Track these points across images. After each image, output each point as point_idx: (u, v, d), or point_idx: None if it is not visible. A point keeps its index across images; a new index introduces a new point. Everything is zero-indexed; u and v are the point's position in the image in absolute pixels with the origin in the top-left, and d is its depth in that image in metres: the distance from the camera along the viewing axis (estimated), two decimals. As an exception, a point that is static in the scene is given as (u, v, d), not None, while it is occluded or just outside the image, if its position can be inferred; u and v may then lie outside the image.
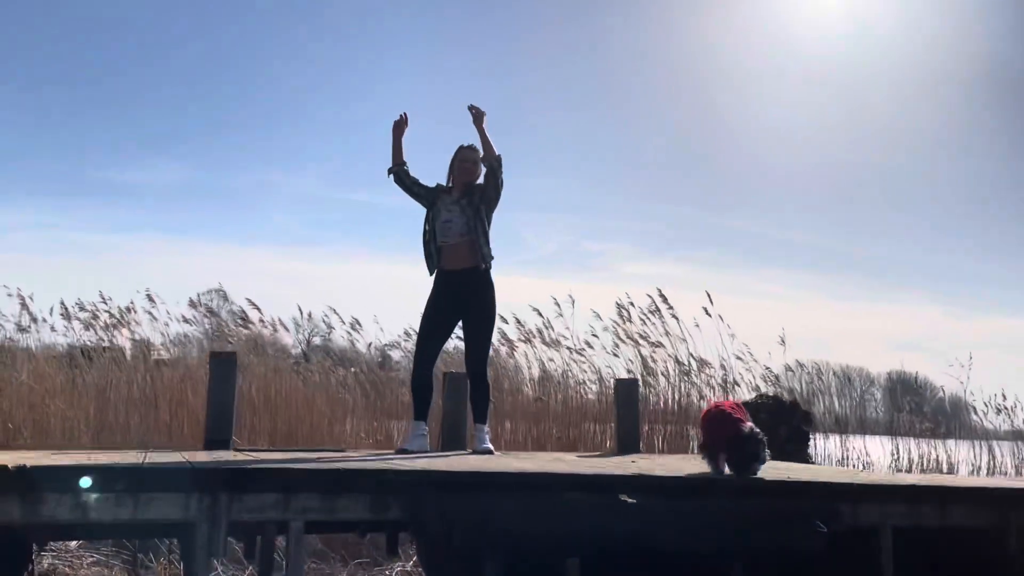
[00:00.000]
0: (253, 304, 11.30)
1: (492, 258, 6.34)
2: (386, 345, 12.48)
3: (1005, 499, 5.64)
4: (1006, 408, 14.46)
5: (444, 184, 6.58)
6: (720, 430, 5.27)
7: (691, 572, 4.74)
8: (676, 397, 12.27)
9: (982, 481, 8.47)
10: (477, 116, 6.30)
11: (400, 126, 6.49)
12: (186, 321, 11.83)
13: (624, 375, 11.51)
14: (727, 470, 5.23)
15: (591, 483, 4.73)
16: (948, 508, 5.48)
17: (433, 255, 6.43)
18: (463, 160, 6.54)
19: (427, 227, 6.43)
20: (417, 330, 6.52)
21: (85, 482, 3.94)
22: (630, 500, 4.56)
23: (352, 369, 12.61)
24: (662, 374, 12.59)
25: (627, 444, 8.07)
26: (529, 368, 13.04)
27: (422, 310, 6.42)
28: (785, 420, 7.45)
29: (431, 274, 6.40)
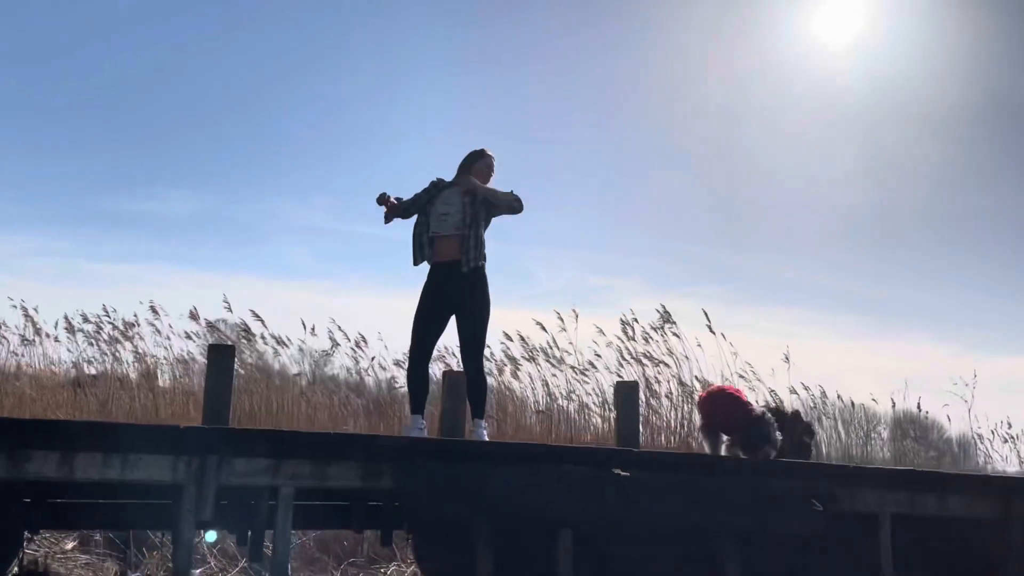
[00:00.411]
0: (256, 316, 11.20)
1: (485, 260, 6.27)
2: (395, 362, 12.28)
3: (1007, 489, 5.57)
4: (1011, 437, 14.24)
5: (446, 180, 6.53)
6: (728, 411, 5.23)
7: (684, 548, 4.68)
8: (679, 418, 12.19)
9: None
10: (470, 192, 6.29)
11: (386, 210, 6.44)
12: (188, 337, 11.77)
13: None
14: (724, 451, 5.19)
15: (585, 456, 4.68)
16: (948, 497, 5.41)
17: (424, 246, 6.30)
18: (488, 165, 6.49)
19: (422, 218, 6.37)
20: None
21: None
22: (623, 473, 4.52)
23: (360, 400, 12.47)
24: (666, 396, 12.51)
25: (627, 444, 7.99)
26: (534, 391, 12.94)
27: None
28: (786, 431, 7.36)
29: (415, 263, 6.30)
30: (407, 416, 6.63)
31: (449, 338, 6.99)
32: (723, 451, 5.21)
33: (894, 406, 14.14)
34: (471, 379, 6.44)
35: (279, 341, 11.64)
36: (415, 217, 6.40)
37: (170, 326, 11.74)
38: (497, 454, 4.59)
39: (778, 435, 5.13)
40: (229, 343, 7.66)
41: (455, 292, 6.19)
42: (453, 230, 6.24)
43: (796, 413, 9.35)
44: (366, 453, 4.39)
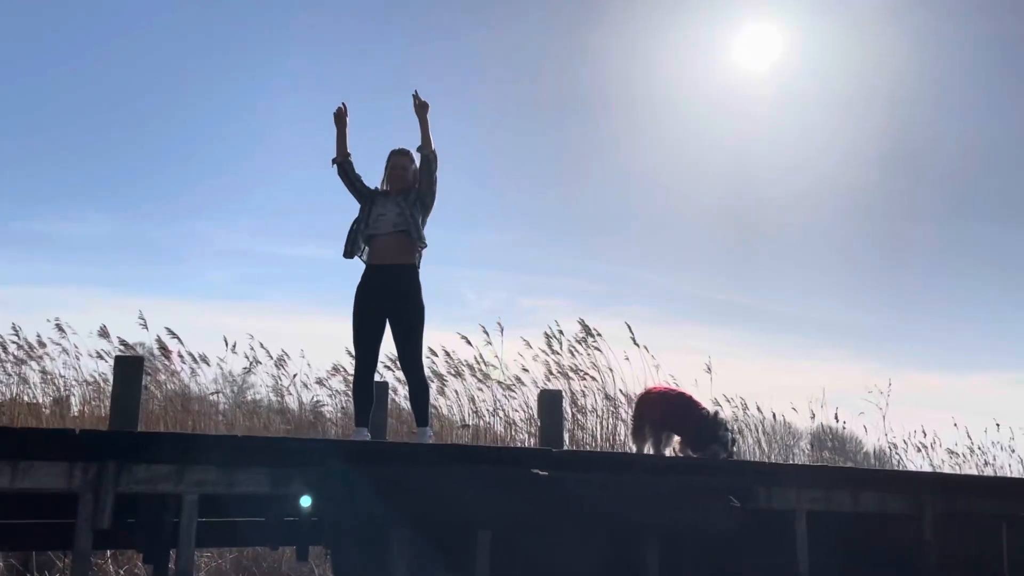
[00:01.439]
0: (172, 333, 10.77)
1: (425, 246, 6.20)
2: (317, 381, 12.00)
3: (919, 485, 5.69)
4: (924, 446, 14.65)
5: (380, 188, 6.49)
6: (682, 411, 5.23)
7: (605, 547, 4.63)
8: (605, 431, 12.22)
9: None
10: (421, 107, 6.29)
11: (341, 117, 6.39)
12: (99, 356, 11.25)
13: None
14: (669, 451, 5.18)
15: (504, 456, 4.61)
16: (862, 494, 5.49)
17: (359, 243, 6.21)
18: (394, 166, 6.42)
19: (362, 215, 6.26)
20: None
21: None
22: (542, 473, 4.46)
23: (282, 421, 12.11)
24: (591, 411, 12.54)
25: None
26: (460, 408, 12.82)
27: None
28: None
29: (347, 256, 6.17)
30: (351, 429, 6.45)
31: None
32: (669, 451, 5.20)
33: (813, 417, 14.43)
34: (411, 384, 6.23)
35: (196, 359, 11.24)
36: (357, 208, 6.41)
37: (76, 346, 11.20)
38: (414, 455, 4.47)
39: (729, 435, 5.17)
40: (139, 355, 7.36)
41: (390, 297, 6.05)
42: (391, 227, 6.14)
43: (717, 415, 9.45)
44: (276, 457, 4.23)
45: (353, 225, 6.27)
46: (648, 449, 5.31)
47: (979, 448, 14.33)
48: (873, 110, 24.86)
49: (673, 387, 5.52)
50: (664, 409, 5.30)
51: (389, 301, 6.05)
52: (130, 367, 6.36)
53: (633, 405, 5.78)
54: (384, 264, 6.12)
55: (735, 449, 10.22)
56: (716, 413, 5.16)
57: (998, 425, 14.08)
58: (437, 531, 4.35)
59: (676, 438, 5.26)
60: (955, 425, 14.51)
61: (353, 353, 6.16)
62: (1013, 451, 14.17)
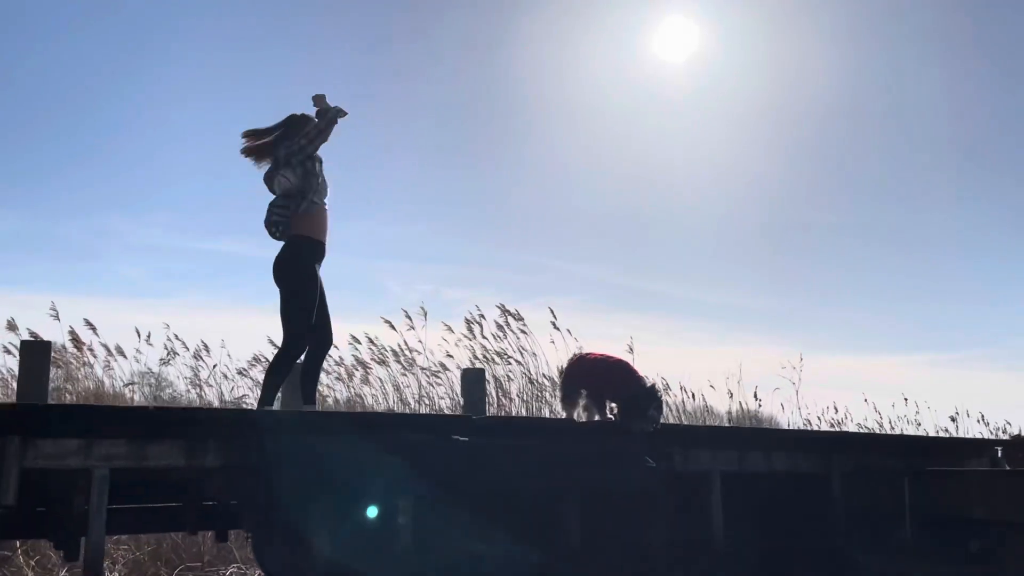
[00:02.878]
0: (89, 324, 10.38)
1: None
2: (239, 371, 11.74)
3: (828, 443, 5.91)
4: (837, 422, 15.20)
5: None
6: (624, 380, 5.24)
7: (527, 510, 4.69)
8: (529, 414, 12.28)
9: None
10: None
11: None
12: (7, 351, 10.80)
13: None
14: (608, 417, 5.24)
15: (423, 423, 4.63)
16: (773, 454, 5.67)
17: (313, 210, 5.61)
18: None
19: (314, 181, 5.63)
20: (301, 304, 5.44)
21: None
22: (462, 439, 4.49)
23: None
24: (517, 395, 12.63)
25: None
26: (386, 397, 12.76)
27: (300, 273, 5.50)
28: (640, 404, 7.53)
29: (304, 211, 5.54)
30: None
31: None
32: (604, 417, 5.25)
33: (731, 396, 14.83)
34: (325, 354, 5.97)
35: (111, 352, 10.90)
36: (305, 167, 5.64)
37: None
38: (333, 424, 4.45)
39: (663, 405, 5.23)
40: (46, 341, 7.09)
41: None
42: (326, 202, 5.82)
43: (653, 387, 9.59)
44: (189, 428, 4.15)
45: (315, 180, 5.65)
46: (579, 415, 5.32)
47: (889, 422, 14.99)
48: (786, 101, 25.59)
49: (611, 354, 5.55)
50: (605, 375, 5.29)
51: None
52: (37, 353, 6.15)
53: (563, 370, 5.79)
54: (323, 241, 5.67)
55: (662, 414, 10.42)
56: (653, 385, 5.24)
57: (906, 400, 14.75)
58: (358, 500, 4.33)
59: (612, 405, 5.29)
60: (865, 401, 15.11)
61: (292, 334, 5.45)
62: (919, 424, 14.85)
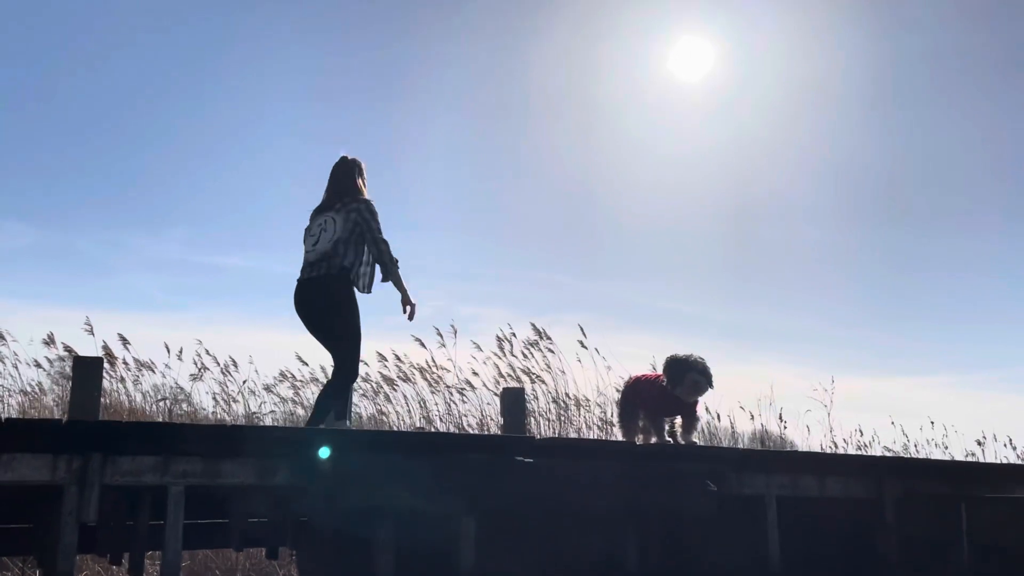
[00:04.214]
0: (123, 339, 10.44)
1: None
2: (265, 388, 11.78)
3: (880, 469, 5.89)
4: (864, 444, 15.11)
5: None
6: (676, 399, 5.35)
7: (587, 531, 4.70)
8: (554, 435, 12.25)
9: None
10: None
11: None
12: (38, 365, 10.80)
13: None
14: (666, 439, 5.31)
15: (488, 444, 4.65)
16: (827, 479, 5.67)
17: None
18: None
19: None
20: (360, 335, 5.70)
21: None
22: (526, 460, 4.51)
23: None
24: (541, 415, 12.61)
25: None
26: (411, 414, 12.75)
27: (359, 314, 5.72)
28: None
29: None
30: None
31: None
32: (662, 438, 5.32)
33: (753, 419, 14.79)
34: None
35: (142, 366, 10.93)
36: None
37: (16, 353, 10.77)
38: (404, 444, 4.49)
39: (707, 370, 5.33)
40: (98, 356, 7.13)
41: None
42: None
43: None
44: (263, 446, 4.19)
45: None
46: (639, 438, 5.42)
47: (915, 446, 14.91)
48: (804, 119, 25.67)
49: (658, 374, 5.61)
50: (660, 396, 5.37)
51: None
52: (89, 369, 6.20)
53: (620, 394, 5.84)
54: None
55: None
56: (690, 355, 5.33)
57: (932, 423, 14.66)
58: (422, 519, 4.35)
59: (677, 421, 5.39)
60: (892, 423, 15.00)
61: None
62: (947, 447, 14.76)
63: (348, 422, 5.73)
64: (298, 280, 5.77)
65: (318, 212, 5.90)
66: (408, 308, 5.78)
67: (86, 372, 6.18)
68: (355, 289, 5.66)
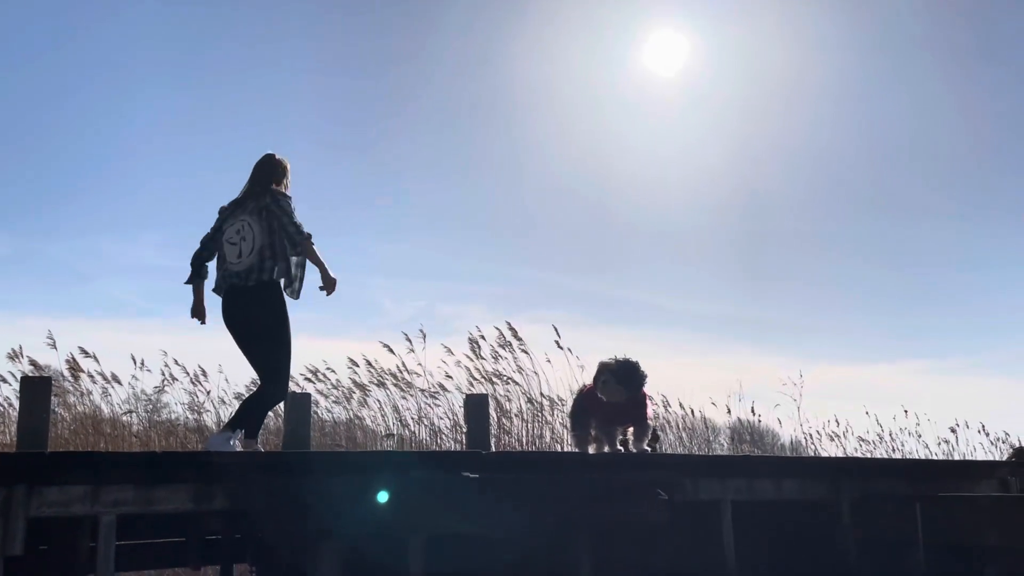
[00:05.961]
0: (85, 352, 10.29)
1: None
2: (235, 396, 11.66)
3: (836, 469, 5.86)
4: (837, 435, 15.11)
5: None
6: (639, 408, 5.29)
7: (538, 544, 4.64)
8: (530, 434, 12.24)
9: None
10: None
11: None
12: (3, 380, 10.65)
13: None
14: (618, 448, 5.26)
15: (432, 459, 4.58)
16: (783, 482, 5.63)
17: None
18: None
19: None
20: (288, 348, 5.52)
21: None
22: (472, 476, 4.44)
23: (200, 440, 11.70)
24: (516, 415, 12.55)
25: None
26: (384, 418, 12.67)
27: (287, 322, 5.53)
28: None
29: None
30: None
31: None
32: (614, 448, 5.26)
33: (729, 412, 14.81)
34: None
35: (107, 379, 10.79)
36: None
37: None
38: (341, 464, 4.40)
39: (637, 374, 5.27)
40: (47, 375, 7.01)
41: None
42: None
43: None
44: (197, 472, 4.09)
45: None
46: (592, 447, 5.36)
47: (889, 435, 14.95)
48: (776, 111, 25.69)
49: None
50: (613, 405, 5.29)
51: None
52: (37, 389, 6.09)
53: (573, 403, 5.77)
54: None
55: (659, 444, 10.40)
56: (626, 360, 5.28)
57: (906, 412, 14.71)
58: (368, 538, 4.27)
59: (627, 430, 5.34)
60: (867, 413, 15.06)
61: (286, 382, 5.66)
62: (920, 436, 14.82)
63: (256, 441, 5.50)
64: (224, 289, 5.54)
65: (233, 210, 5.67)
66: (328, 284, 5.53)
67: (34, 393, 6.07)
68: (286, 296, 5.51)
